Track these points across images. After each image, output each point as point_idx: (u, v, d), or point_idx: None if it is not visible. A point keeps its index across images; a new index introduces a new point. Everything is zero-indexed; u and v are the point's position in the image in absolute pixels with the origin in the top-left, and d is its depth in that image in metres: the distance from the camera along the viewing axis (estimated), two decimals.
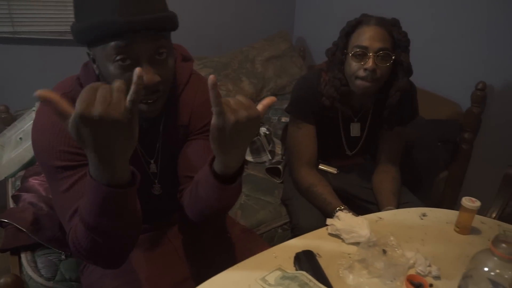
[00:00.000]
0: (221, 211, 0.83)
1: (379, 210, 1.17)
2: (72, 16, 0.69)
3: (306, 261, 0.76)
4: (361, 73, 1.12)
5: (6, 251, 1.10)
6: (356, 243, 0.84)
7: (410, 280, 0.74)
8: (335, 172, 1.41)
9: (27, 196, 1.24)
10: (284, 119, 2.09)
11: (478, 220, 0.95)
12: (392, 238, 0.84)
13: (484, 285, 0.58)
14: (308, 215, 1.25)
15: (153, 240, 0.97)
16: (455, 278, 0.66)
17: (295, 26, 2.85)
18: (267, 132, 1.76)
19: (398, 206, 1.21)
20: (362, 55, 1.11)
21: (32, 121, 0.89)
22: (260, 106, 0.62)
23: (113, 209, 0.61)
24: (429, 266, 0.78)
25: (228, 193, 0.71)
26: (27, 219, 1.11)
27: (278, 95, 2.44)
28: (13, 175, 1.50)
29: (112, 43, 0.64)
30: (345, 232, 0.85)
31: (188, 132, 0.88)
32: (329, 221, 0.89)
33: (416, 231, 0.91)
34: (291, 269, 0.76)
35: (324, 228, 0.89)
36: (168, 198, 0.92)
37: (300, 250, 0.79)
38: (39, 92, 0.50)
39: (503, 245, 0.56)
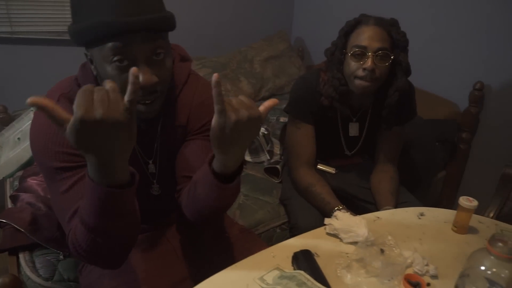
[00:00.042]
0: (219, 211, 0.83)
1: (377, 210, 1.17)
2: (70, 16, 0.69)
3: (304, 260, 0.76)
4: (360, 72, 1.12)
5: (4, 251, 1.10)
6: (354, 243, 0.84)
7: (407, 279, 0.74)
8: (334, 172, 1.41)
9: (25, 196, 1.24)
10: (283, 119, 2.09)
11: (475, 220, 0.96)
12: (390, 238, 0.84)
13: (481, 284, 0.59)
14: (307, 215, 1.25)
15: (152, 240, 0.97)
16: (452, 277, 0.66)
17: (293, 26, 2.85)
18: (266, 132, 1.76)
19: (396, 205, 1.21)
20: (361, 55, 1.11)
21: (30, 121, 0.89)
22: (262, 108, 0.63)
23: (113, 210, 0.61)
24: (427, 265, 0.78)
25: (227, 192, 0.71)
26: (25, 219, 1.11)
27: (277, 95, 2.44)
28: (11, 175, 1.50)
29: (109, 44, 0.64)
30: (343, 232, 0.86)
31: (186, 132, 0.88)
32: (327, 220, 0.89)
33: (414, 231, 0.92)
34: (289, 268, 0.76)
35: (322, 228, 0.90)
36: (166, 198, 0.92)
37: (298, 249, 0.79)
38: (31, 99, 0.49)
39: (500, 244, 0.56)
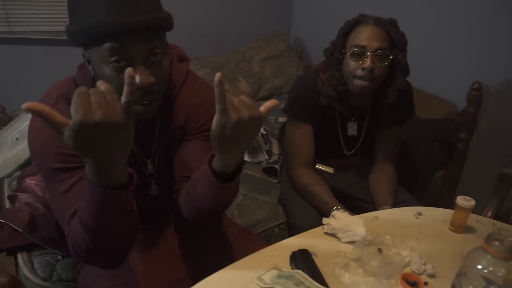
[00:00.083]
0: (218, 210, 0.83)
1: (375, 210, 1.18)
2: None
3: (302, 260, 0.76)
4: (359, 72, 1.12)
5: (2, 252, 1.10)
6: (352, 242, 0.84)
7: (405, 278, 0.74)
8: (332, 171, 1.41)
9: (23, 197, 1.24)
10: (281, 119, 2.09)
11: (473, 219, 0.96)
12: (387, 237, 0.84)
13: (477, 283, 0.59)
14: (305, 214, 1.25)
15: (150, 240, 0.97)
16: (449, 276, 0.66)
17: (292, 26, 2.85)
18: (264, 132, 1.77)
19: (395, 205, 1.22)
20: (360, 54, 1.11)
21: (28, 121, 0.89)
22: (262, 108, 0.63)
23: (112, 211, 0.61)
24: (424, 264, 0.78)
25: (226, 191, 0.71)
26: (23, 219, 1.11)
27: (275, 95, 2.44)
28: (9, 175, 1.50)
29: (106, 45, 0.64)
30: (341, 231, 0.86)
31: (185, 133, 0.88)
32: (325, 220, 0.90)
33: (411, 230, 0.92)
34: (287, 268, 0.76)
35: (320, 227, 0.90)
36: (165, 198, 0.92)
37: (296, 249, 0.79)
38: (26, 105, 0.48)
39: (496, 243, 0.56)
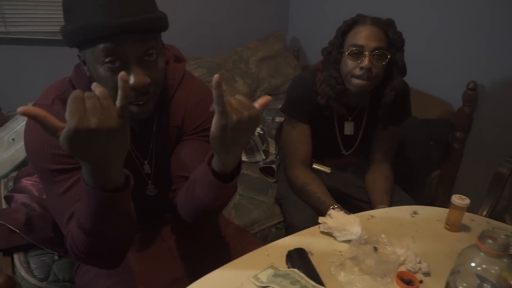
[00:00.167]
0: (216, 210, 0.83)
1: (372, 209, 1.18)
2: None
3: (298, 259, 0.76)
4: (357, 71, 1.13)
5: None
6: (348, 241, 0.84)
7: (400, 276, 0.75)
8: (329, 171, 1.42)
9: (19, 197, 1.23)
10: (278, 119, 2.10)
11: (468, 218, 0.96)
12: (383, 236, 0.85)
13: (471, 280, 0.59)
14: (302, 214, 1.25)
15: (147, 240, 0.97)
16: (444, 274, 0.67)
17: (289, 26, 2.86)
18: (261, 132, 1.77)
19: (391, 204, 1.22)
20: (358, 53, 1.12)
21: (24, 122, 0.89)
22: (257, 106, 0.63)
23: (109, 213, 0.61)
24: (419, 262, 0.79)
25: (225, 191, 0.72)
26: (19, 219, 1.11)
27: (272, 95, 2.44)
28: (5, 176, 1.49)
29: (101, 45, 0.64)
30: (337, 230, 0.86)
31: (182, 133, 0.88)
32: (321, 219, 0.90)
33: (407, 229, 0.92)
34: (283, 267, 0.77)
35: (316, 226, 0.90)
36: (162, 199, 0.93)
37: (292, 248, 0.79)
38: (22, 109, 0.49)
39: (489, 240, 0.57)
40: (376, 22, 1.13)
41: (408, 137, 1.61)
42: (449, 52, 1.87)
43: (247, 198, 1.48)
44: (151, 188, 0.92)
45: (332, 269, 0.77)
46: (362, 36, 1.11)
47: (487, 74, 1.75)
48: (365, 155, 1.41)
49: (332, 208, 1.15)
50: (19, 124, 1.61)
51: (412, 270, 0.78)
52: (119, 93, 0.52)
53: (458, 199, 0.89)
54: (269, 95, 2.41)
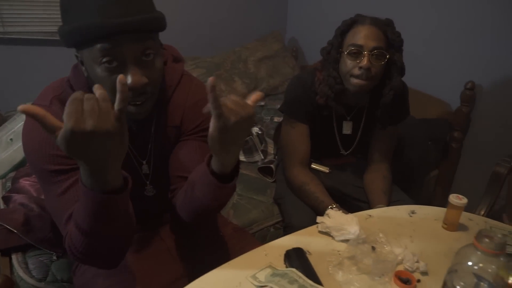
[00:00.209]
0: (216, 210, 0.84)
1: (370, 209, 1.19)
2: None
3: (296, 258, 0.76)
4: (356, 71, 1.13)
5: None
6: (346, 240, 0.85)
7: (398, 276, 0.75)
8: (327, 171, 1.42)
9: (18, 197, 1.23)
10: (277, 119, 2.10)
11: (465, 217, 0.97)
12: (381, 235, 0.85)
13: (468, 279, 0.60)
14: (301, 214, 1.26)
15: (146, 240, 0.97)
16: (442, 273, 0.67)
17: (287, 26, 2.86)
18: (260, 132, 1.77)
19: (389, 204, 1.22)
20: (357, 53, 1.12)
21: (23, 122, 0.89)
22: (250, 103, 0.63)
23: (107, 214, 0.61)
24: (417, 262, 0.79)
25: (225, 191, 0.72)
26: (18, 220, 1.10)
27: (271, 95, 2.45)
28: (3, 176, 1.49)
29: (98, 46, 0.64)
30: (335, 230, 0.86)
31: (180, 133, 0.88)
32: (319, 218, 0.90)
33: (405, 228, 0.93)
34: (281, 266, 0.77)
35: (314, 226, 0.90)
36: (160, 199, 0.93)
37: (290, 247, 0.80)
38: (22, 107, 0.49)
39: (486, 239, 0.57)
40: (375, 22, 1.14)
41: (407, 137, 1.62)
42: (447, 52, 1.88)
43: (246, 198, 1.48)
44: (149, 189, 0.92)
45: (330, 268, 0.77)
46: (361, 36, 1.12)
47: (485, 74, 1.75)
48: (364, 155, 1.41)
49: (330, 208, 1.15)
50: (17, 124, 1.61)
51: (410, 269, 0.78)
52: (118, 96, 0.52)
53: (456, 199, 0.90)
54: (268, 95, 2.44)
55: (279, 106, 1.38)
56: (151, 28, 0.69)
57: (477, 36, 1.75)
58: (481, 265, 0.58)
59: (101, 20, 0.63)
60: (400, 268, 0.79)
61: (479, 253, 0.58)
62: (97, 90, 0.53)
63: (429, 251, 0.84)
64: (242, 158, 1.72)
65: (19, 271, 1.06)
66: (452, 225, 0.92)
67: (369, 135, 1.35)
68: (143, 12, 0.67)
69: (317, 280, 0.72)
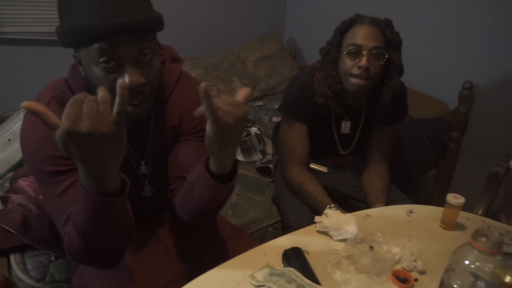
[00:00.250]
0: (215, 210, 0.84)
1: (368, 208, 1.19)
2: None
3: (294, 258, 0.77)
4: (355, 71, 1.13)
5: None
6: (344, 240, 0.85)
7: (396, 275, 0.75)
8: (326, 171, 1.42)
9: (16, 198, 1.23)
10: (275, 119, 2.10)
11: (463, 216, 0.97)
12: (379, 235, 0.85)
13: (465, 278, 0.60)
14: (299, 213, 1.26)
15: (144, 240, 0.97)
16: (439, 272, 0.67)
17: (286, 26, 2.86)
18: (258, 132, 1.77)
19: (387, 204, 1.23)
20: (356, 53, 1.13)
21: (21, 122, 0.88)
22: (241, 100, 0.63)
23: (105, 216, 0.61)
24: (415, 261, 0.79)
25: (224, 191, 0.73)
26: (16, 220, 1.10)
27: (269, 95, 2.45)
28: (1, 176, 1.49)
29: (95, 45, 0.64)
30: (333, 229, 0.87)
31: (179, 133, 0.89)
32: (317, 218, 0.90)
33: (402, 228, 0.93)
34: (279, 266, 0.77)
35: (312, 226, 0.90)
36: (159, 199, 0.93)
37: (288, 247, 0.80)
38: (25, 103, 0.50)
39: (483, 238, 0.57)
40: (374, 22, 1.14)
41: (405, 136, 1.62)
42: (445, 52, 1.88)
43: (244, 198, 1.48)
44: (147, 189, 0.92)
45: (328, 268, 0.77)
46: (360, 35, 1.12)
47: (483, 74, 1.76)
48: (362, 155, 1.41)
49: (329, 208, 1.15)
50: (15, 125, 1.61)
51: (408, 268, 0.78)
52: (117, 99, 0.52)
53: (453, 198, 0.90)
54: (266, 95, 2.45)
55: (277, 106, 1.39)
56: (148, 28, 0.69)
57: (475, 36, 1.75)
58: (478, 264, 0.59)
59: (98, 20, 0.63)
60: (398, 267, 0.79)
61: (476, 252, 0.58)
62: (100, 92, 0.53)
63: (426, 250, 0.85)
64: (240, 158, 1.72)
65: (17, 271, 1.06)
66: (450, 225, 0.92)
67: (368, 135, 1.36)
68: (141, 12, 0.67)
69: (315, 280, 0.72)
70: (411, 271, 0.78)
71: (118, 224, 0.65)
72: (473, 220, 0.97)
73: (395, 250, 0.82)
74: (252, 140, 1.73)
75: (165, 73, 0.85)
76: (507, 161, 1.38)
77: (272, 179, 1.57)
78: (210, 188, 0.70)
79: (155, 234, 0.99)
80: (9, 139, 1.57)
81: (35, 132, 0.72)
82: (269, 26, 2.73)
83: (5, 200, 1.25)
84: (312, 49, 1.32)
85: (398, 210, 1.01)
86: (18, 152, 1.48)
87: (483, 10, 1.70)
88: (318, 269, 0.75)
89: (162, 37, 0.74)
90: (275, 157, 1.67)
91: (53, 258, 1.10)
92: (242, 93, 0.63)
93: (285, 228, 1.30)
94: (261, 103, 2.34)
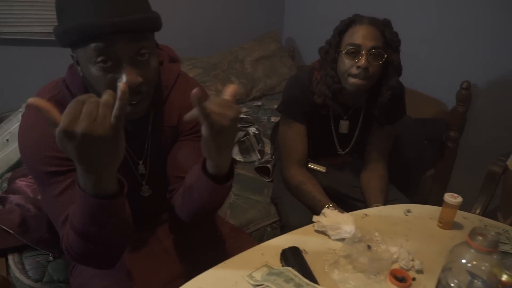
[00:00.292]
0: (214, 210, 0.85)
1: (367, 208, 1.19)
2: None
3: (292, 257, 0.77)
4: (354, 70, 1.14)
5: None
6: (342, 239, 0.85)
7: (393, 274, 0.76)
8: (324, 170, 1.42)
9: (14, 198, 1.23)
10: (274, 119, 2.11)
11: (460, 216, 0.98)
12: (377, 234, 0.85)
13: (462, 277, 0.60)
14: (298, 213, 1.26)
15: (143, 240, 0.97)
16: (437, 271, 0.67)
17: (284, 26, 2.87)
18: (257, 132, 1.77)
19: (386, 203, 1.23)
20: (355, 53, 1.13)
21: (19, 123, 0.88)
22: (229, 98, 0.63)
23: (103, 218, 0.62)
24: (412, 260, 0.80)
25: (222, 191, 0.73)
26: (14, 220, 1.10)
27: (268, 95, 2.46)
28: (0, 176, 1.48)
29: (92, 45, 0.64)
30: (331, 229, 0.87)
31: (178, 133, 0.89)
32: (315, 218, 0.91)
33: (400, 227, 0.93)
34: (277, 265, 0.77)
35: (310, 225, 0.91)
36: (157, 199, 0.93)
37: (286, 247, 0.80)
38: (31, 100, 0.51)
39: (479, 237, 0.58)
40: (373, 22, 1.14)
41: (403, 136, 1.62)
42: (443, 52, 1.89)
43: (243, 198, 1.48)
44: (145, 189, 0.92)
45: (326, 267, 0.78)
46: (359, 35, 1.12)
47: (480, 74, 1.76)
48: (360, 155, 1.42)
49: (327, 207, 1.15)
50: (13, 125, 1.60)
51: (405, 267, 0.78)
52: (116, 103, 0.52)
53: (451, 197, 0.90)
54: (265, 95, 2.45)
55: (276, 106, 1.39)
56: (146, 28, 0.69)
57: (473, 36, 1.76)
58: (474, 262, 0.59)
59: (96, 20, 0.63)
60: (396, 266, 0.79)
61: (472, 250, 0.59)
62: (104, 95, 0.53)
63: (424, 249, 0.85)
64: (239, 158, 1.72)
65: (16, 271, 1.05)
66: (447, 224, 0.93)
67: (366, 135, 1.36)
68: (138, 12, 0.67)
69: (313, 279, 0.72)
70: (408, 270, 0.78)
71: (116, 225, 0.65)
72: (471, 219, 0.98)
73: (393, 249, 0.82)
74: (250, 140, 1.73)
75: (163, 73, 0.85)
76: (505, 161, 1.39)
77: (271, 179, 1.57)
78: (208, 189, 0.70)
79: (154, 234, 1.00)
80: (7, 140, 1.57)
81: (33, 132, 0.72)
82: (267, 26, 2.73)
83: (3, 200, 1.25)
84: (311, 49, 1.33)
85: (396, 210, 1.01)
86: (16, 152, 1.48)
87: (481, 11, 1.71)
88: (316, 269, 0.76)
89: (160, 37, 0.74)
90: (273, 157, 1.67)
91: (51, 258, 1.10)
92: (229, 91, 0.63)
93: (284, 227, 1.31)
94: (259, 103, 2.34)
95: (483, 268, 0.59)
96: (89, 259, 0.69)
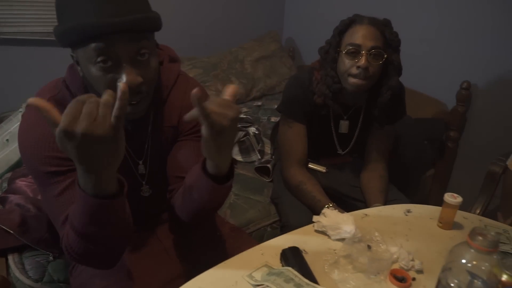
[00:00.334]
0: (214, 210, 0.85)
1: (367, 208, 1.19)
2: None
3: (292, 257, 0.77)
4: (354, 70, 1.14)
5: None
6: (342, 239, 0.85)
7: (393, 274, 0.76)
8: (324, 170, 1.42)
9: (14, 198, 1.23)
10: (274, 119, 2.11)
11: (460, 216, 0.98)
12: (377, 234, 0.85)
13: (462, 277, 0.60)
14: (298, 213, 1.26)
15: (143, 240, 0.97)
16: (437, 271, 0.67)
17: (284, 26, 2.87)
18: (257, 132, 1.77)
19: (386, 203, 1.23)
20: (355, 52, 1.13)
21: (19, 123, 0.88)
22: (229, 98, 0.63)
23: (103, 218, 0.62)
24: (412, 260, 0.80)
25: (222, 191, 0.73)
26: (14, 220, 1.10)
27: (268, 95, 2.46)
28: None
29: (92, 45, 0.64)
30: (331, 229, 0.87)
31: (178, 133, 0.89)
32: (315, 218, 0.91)
33: (400, 227, 0.93)
34: (277, 265, 0.77)
35: (310, 225, 0.91)
36: (156, 199, 0.93)
37: (286, 247, 0.80)
38: (31, 100, 0.51)
39: (479, 237, 0.58)
40: (373, 22, 1.14)
41: (403, 136, 1.63)
42: (443, 52, 1.89)
43: (243, 198, 1.48)
44: (145, 189, 0.92)
45: (326, 267, 0.78)
46: (359, 35, 1.12)
47: (480, 74, 1.76)
48: (360, 155, 1.42)
49: (327, 207, 1.15)
50: (13, 125, 1.60)
51: (405, 267, 0.78)
52: (117, 103, 0.52)
53: (451, 197, 0.90)
54: (265, 95, 2.45)
55: (276, 106, 1.39)
56: (145, 27, 0.69)
57: (473, 36, 1.76)
58: (474, 262, 0.59)
59: (96, 20, 0.63)
60: (396, 266, 0.79)
61: (472, 250, 0.59)
62: (104, 95, 0.53)
63: (424, 249, 0.85)
64: (239, 158, 1.72)
65: (16, 271, 1.05)
66: (447, 224, 0.93)
67: (366, 135, 1.36)
68: (138, 12, 0.67)
69: (313, 279, 0.72)
70: (408, 270, 0.78)
71: (116, 225, 0.65)
72: (471, 219, 0.98)
73: (393, 249, 0.82)
74: (250, 140, 1.73)
75: (163, 73, 0.85)
76: (505, 161, 1.39)
77: (271, 179, 1.57)
78: (208, 189, 0.70)
79: (154, 234, 1.00)
80: (7, 140, 1.57)
81: (33, 132, 0.72)
82: (267, 26, 2.73)
83: (3, 200, 1.25)
84: (311, 49, 1.33)
85: (396, 210, 1.01)
86: (16, 152, 1.48)
87: (481, 11, 1.71)
88: (316, 269, 0.76)
89: (160, 37, 0.74)
90: (273, 157, 1.67)
91: (51, 258, 1.10)
92: (229, 91, 0.63)
93: (284, 227, 1.31)
94: (259, 103, 2.34)
95: (483, 268, 0.59)
96: (89, 259, 0.69)
